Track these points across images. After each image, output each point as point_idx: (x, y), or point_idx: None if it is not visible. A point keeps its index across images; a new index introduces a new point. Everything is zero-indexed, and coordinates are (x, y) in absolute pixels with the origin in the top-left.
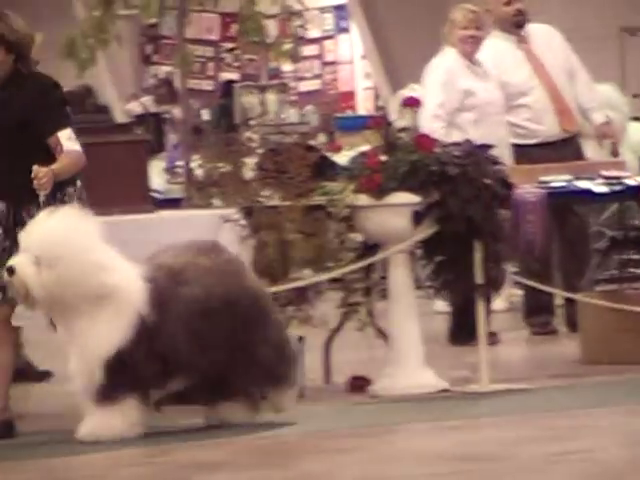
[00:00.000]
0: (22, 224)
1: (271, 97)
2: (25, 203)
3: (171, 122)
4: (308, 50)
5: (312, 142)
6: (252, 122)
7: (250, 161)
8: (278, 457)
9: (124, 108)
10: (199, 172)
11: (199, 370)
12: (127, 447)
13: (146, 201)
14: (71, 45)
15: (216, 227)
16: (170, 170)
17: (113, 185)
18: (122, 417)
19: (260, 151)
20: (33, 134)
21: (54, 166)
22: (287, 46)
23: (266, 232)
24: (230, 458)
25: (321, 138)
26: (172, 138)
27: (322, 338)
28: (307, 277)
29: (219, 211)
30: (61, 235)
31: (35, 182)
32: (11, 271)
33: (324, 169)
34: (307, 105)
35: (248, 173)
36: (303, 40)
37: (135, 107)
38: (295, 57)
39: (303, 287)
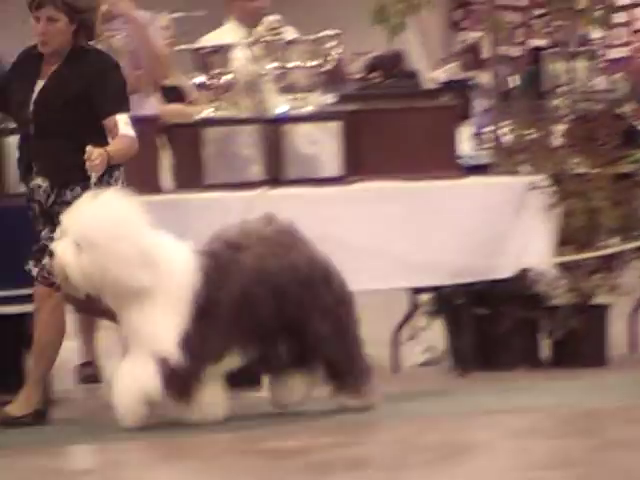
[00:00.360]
0: (65, 204)
1: (580, 64)
2: (71, 183)
3: (478, 88)
4: (617, 17)
5: (619, 110)
6: (560, 89)
7: (558, 128)
8: (582, 425)
9: (429, 76)
10: (507, 139)
11: (254, 342)
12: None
13: (455, 167)
14: (381, 10)
15: (522, 194)
16: (478, 136)
17: (421, 151)
18: (204, 403)
19: (569, 118)
20: (88, 113)
21: (109, 148)
22: (598, 13)
23: (573, 200)
24: (535, 426)
25: (628, 107)
26: (480, 104)
27: (628, 307)
28: (614, 245)
29: (526, 178)
30: (103, 220)
31: (88, 163)
32: (52, 255)
33: (633, 137)
34: (615, 73)
35: (556, 140)
36: (613, 7)
37: (440, 74)
38: (606, 24)
39: (610, 255)
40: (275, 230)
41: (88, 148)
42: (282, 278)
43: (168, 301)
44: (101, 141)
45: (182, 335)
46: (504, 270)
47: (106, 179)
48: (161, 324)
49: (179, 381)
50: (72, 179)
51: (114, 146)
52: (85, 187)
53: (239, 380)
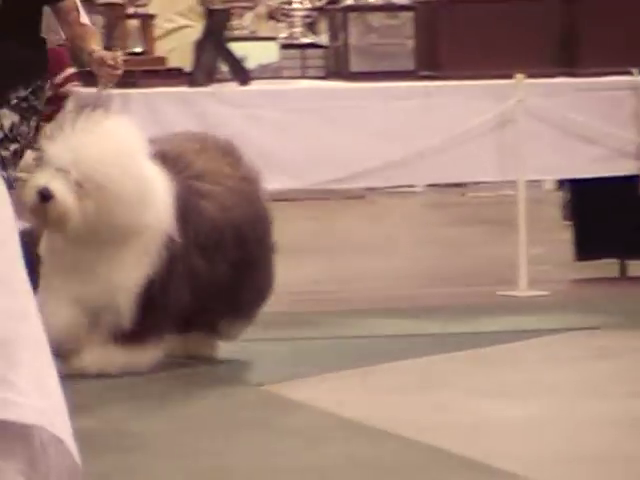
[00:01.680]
0: None
1: None
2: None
3: None
4: None
5: None
6: None
7: None
8: None
9: None
10: None
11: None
12: None
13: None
14: None
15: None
16: None
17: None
18: (148, 354)
19: None
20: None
21: (96, 47)
22: None
23: None
24: None
25: None
26: None
27: None
28: None
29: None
30: (110, 157)
31: (103, 70)
32: (47, 196)
33: None
34: None
35: None
36: None
37: None
38: None
39: None
40: (231, 164)
41: (105, 53)
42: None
43: (142, 245)
44: (34, 36)
45: (148, 284)
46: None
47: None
48: (130, 268)
49: (128, 332)
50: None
51: (94, 41)
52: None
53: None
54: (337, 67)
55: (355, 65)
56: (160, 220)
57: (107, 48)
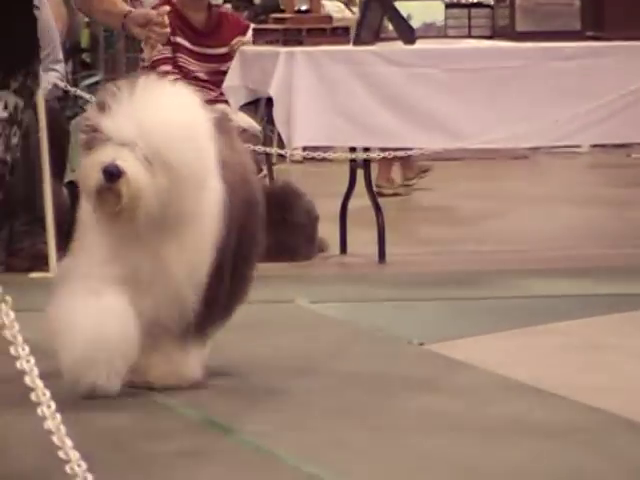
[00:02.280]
0: None
1: None
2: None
3: None
4: None
5: None
6: None
7: None
8: None
9: None
10: None
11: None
12: None
13: None
14: None
15: None
16: None
17: None
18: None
19: None
20: None
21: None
22: None
23: None
24: None
25: None
26: None
27: None
28: None
29: None
30: (179, 129)
31: (151, 30)
32: (115, 173)
33: None
34: None
35: None
36: None
37: None
38: None
39: None
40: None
41: (142, 11)
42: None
43: (199, 234)
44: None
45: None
46: None
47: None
48: (191, 260)
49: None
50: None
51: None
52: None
53: None
54: (503, 27)
55: (521, 25)
56: (215, 202)
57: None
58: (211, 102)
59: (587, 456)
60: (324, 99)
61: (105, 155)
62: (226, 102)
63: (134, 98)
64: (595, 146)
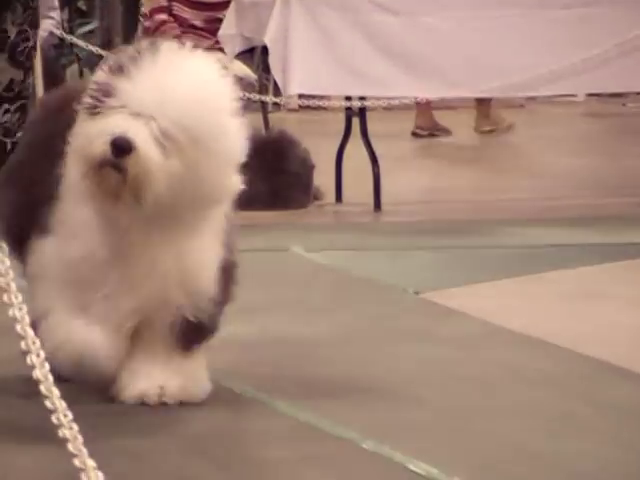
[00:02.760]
0: None
1: None
2: None
3: None
4: None
5: None
6: None
7: None
8: None
9: None
10: None
11: None
12: None
13: None
14: None
15: None
16: None
17: None
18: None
19: None
20: None
21: None
22: None
23: None
24: None
25: None
26: None
27: None
28: None
29: None
30: (203, 100)
31: None
32: (125, 147)
33: None
34: None
35: None
36: None
37: None
38: None
39: None
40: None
41: None
42: None
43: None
44: None
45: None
46: None
47: None
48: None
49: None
50: None
51: None
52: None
53: None
54: None
55: None
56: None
57: None
58: (207, 50)
59: (580, 404)
60: (320, 47)
61: (116, 124)
62: (222, 50)
63: (157, 64)
64: (591, 95)
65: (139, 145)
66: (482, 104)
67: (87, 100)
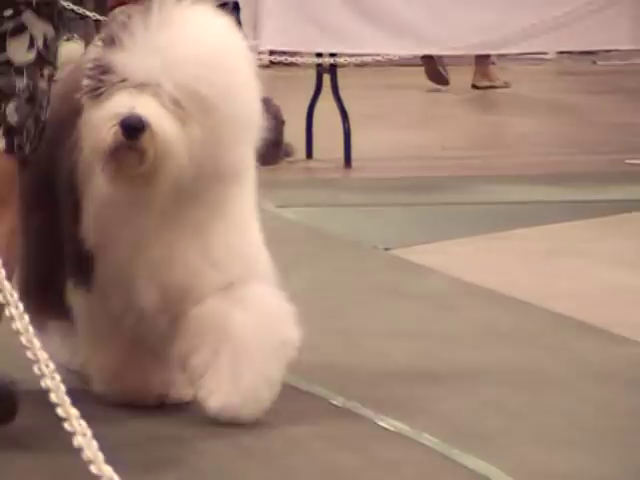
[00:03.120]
0: None
1: None
2: None
3: None
4: None
5: None
6: None
7: None
8: None
9: None
10: None
11: None
12: None
13: None
14: None
15: None
16: None
17: None
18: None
19: None
20: None
21: None
22: None
23: None
24: None
25: None
26: None
27: None
28: None
29: None
30: (213, 59)
31: None
32: (138, 126)
33: None
34: None
35: None
36: None
37: None
38: None
39: None
40: None
41: None
42: None
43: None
44: None
45: None
46: None
47: None
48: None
49: None
50: None
51: None
52: None
53: None
54: None
55: None
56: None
57: None
58: None
59: (548, 360)
60: (291, 3)
61: (121, 103)
62: None
63: (152, 27)
64: (562, 53)
65: (151, 120)
66: (481, 61)
67: (87, 83)
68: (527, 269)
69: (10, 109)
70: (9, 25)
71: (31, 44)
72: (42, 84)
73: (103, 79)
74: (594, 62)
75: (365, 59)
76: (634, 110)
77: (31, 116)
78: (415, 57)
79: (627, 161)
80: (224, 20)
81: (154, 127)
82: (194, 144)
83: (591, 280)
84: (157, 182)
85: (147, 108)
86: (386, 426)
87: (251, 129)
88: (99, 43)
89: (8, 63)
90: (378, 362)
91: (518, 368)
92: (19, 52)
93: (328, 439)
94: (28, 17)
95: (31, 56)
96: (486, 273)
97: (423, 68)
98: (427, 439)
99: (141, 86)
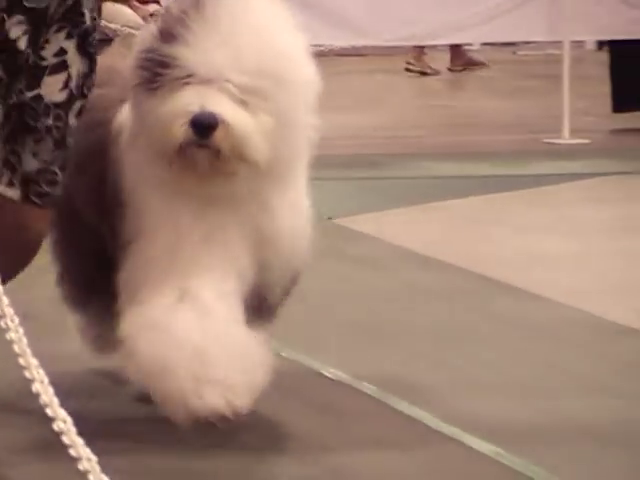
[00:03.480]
0: None
1: None
2: None
3: None
4: None
5: None
6: None
7: None
8: None
9: None
10: None
11: None
12: None
13: None
14: None
15: None
16: None
17: None
18: None
19: None
20: None
21: None
22: None
23: None
24: None
25: None
26: None
27: None
28: None
29: None
30: (279, 51)
31: None
32: (212, 124)
33: None
34: None
35: None
36: None
37: None
38: None
39: None
40: None
41: None
42: None
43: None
44: None
45: None
46: None
47: None
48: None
49: None
50: None
51: None
52: None
53: None
54: None
55: None
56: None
57: None
58: None
59: (471, 316)
60: None
61: (189, 100)
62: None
63: (212, 21)
64: (485, 44)
65: (225, 117)
66: (456, 46)
67: (139, 74)
68: (456, 236)
69: (28, 154)
70: (52, 61)
71: (66, 84)
72: (72, 120)
73: (161, 72)
74: (514, 52)
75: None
76: (549, 94)
77: (58, 160)
78: (354, 47)
79: (545, 140)
80: (278, 9)
81: (227, 123)
82: (269, 131)
83: (513, 246)
84: (235, 177)
85: (218, 104)
86: (329, 375)
87: (312, 107)
88: (151, 36)
89: (39, 98)
90: (323, 317)
91: (449, 324)
92: (53, 90)
93: (273, 389)
94: (71, 55)
95: (64, 96)
96: (419, 240)
97: (356, 59)
98: (367, 387)
99: (207, 82)
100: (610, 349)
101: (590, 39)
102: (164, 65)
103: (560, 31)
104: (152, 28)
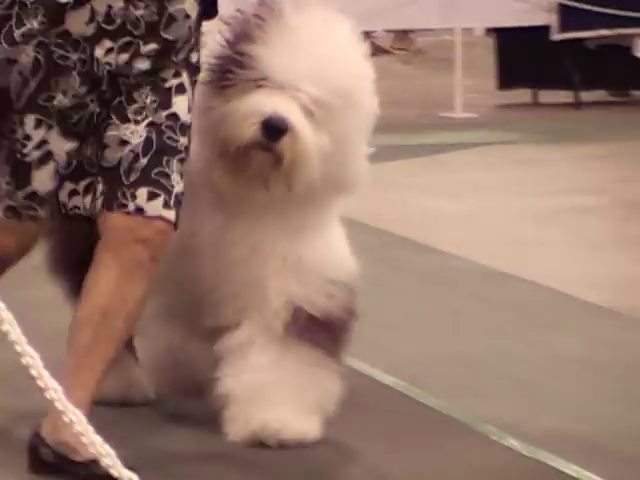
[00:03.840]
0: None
1: None
2: None
3: None
4: None
5: None
6: None
7: None
8: None
9: None
10: None
11: None
12: None
13: None
14: None
15: None
16: None
17: None
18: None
19: None
20: None
21: None
22: None
23: None
24: None
25: None
26: None
27: None
28: None
29: None
30: (350, 67)
31: None
32: (283, 128)
33: None
34: None
35: None
36: None
37: None
38: None
39: None
40: None
41: None
42: None
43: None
44: None
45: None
46: None
47: None
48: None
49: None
50: None
51: None
52: None
53: None
54: None
55: None
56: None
57: None
58: None
59: (385, 269)
60: None
61: (264, 101)
62: None
63: (290, 29)
64: (388, 31)
65: (295, 124)
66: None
67: (210, 73)
68: (364, 199)
69: (177, 175)
70: (173, 82)
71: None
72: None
73: (235, 71)
74: (412, 39)
75: None
76: (443, 75)
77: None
78: None
79: (440, 114)
80: (347, 27)
81: (296, 132)
82: (325, 152)
83: (415, 207)
84: (288, 187)
85: (289, 111)
86: None
87: (367, 141)
88: (227, 36)
89: (175, 117)
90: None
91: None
92: (184, 110)
93: None
94: (185, 78)
95: (190, 117)
96: None
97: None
98: None
99: (280, 87)
100: (496, 294)
101: (479, 27)
102: (239, 64)
103: (452, 19)
104: (225, 29)
